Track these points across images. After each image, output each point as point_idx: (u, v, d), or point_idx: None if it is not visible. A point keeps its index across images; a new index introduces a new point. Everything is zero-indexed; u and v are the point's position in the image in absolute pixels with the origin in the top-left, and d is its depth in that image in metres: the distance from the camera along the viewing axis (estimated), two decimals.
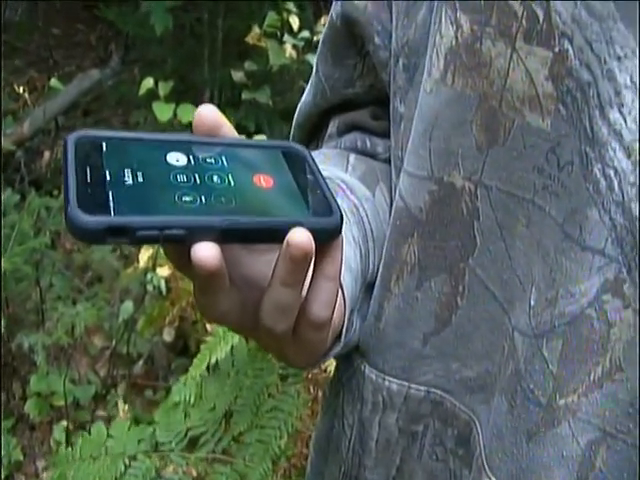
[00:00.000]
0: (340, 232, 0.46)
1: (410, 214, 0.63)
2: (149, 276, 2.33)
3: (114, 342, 2.45)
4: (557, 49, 0.52)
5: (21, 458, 2.19)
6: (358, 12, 0.68)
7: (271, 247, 0.46)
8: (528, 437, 0.56)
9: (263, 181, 0.47)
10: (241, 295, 0.47)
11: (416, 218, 0.62)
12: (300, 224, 0.44)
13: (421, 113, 0.61)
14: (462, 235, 0.60)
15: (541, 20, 0.53)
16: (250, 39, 3.04)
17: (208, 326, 1.93)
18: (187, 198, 0.43)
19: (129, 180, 0.43)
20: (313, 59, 0.76)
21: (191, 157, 0.46)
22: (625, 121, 0.51)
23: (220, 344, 1.55)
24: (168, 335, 2.41)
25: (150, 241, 0.42)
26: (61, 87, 3.13)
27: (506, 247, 0.58)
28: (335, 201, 0.47)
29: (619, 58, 0.51)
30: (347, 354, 0.70)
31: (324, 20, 3.11)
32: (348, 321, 0.59)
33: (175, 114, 2.89)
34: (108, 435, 1.69)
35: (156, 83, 2.90)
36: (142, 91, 2.88)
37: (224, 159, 0.47)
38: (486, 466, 0.59)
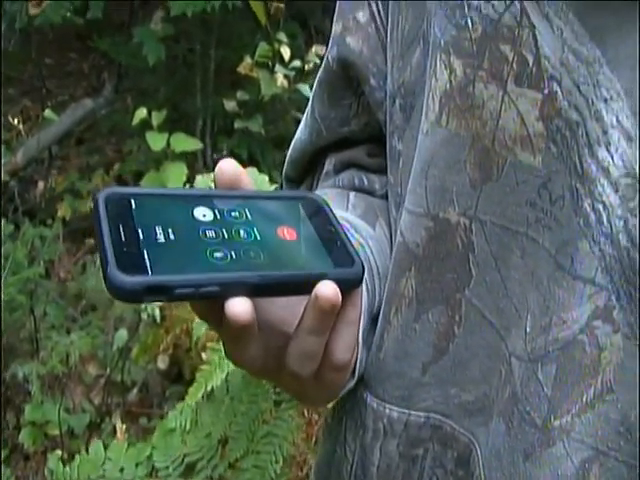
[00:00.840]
0: (362, 281, 0.49)
1: (408, 249, 0.65)
2: (143, 304, 2.34)
3: (108, 370, 2.45)
4: (546, 91, 0.55)
5: None
6: (354, 55, 0.71)
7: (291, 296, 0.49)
8: (525, 457, 0.59)
9: (287, 234, 0.49)
10: (265, 339, 0.50)
11: (413, 253, 0.65)
12: (325, 276, 0.47)
13: (419, 153, 0.64)
14: (458, 268, 0.62)
15: (531, 64, 0.56)
16: (242, 69, 3.08)
17: (203, 354, 1.94)
18: (218, 254, 0.45)
19: (161, 238, 0.45)
20: (304, 88, 0.79)
21: (217, 212, 0.48)
22: (612, 158, 0.54)
23: (216, 372, 1.57)
24: (162, 363, 2.41)
25: (187, 299, 0.44)
26: (55, 117, 3.15)
27: (502, 277, 0.60)
28: (356, 251, 0.50)
29: (605, 100, 0.54)
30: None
31: (315, 49, 3.15)
32: (360, 357, 0.62)
33: (168, 143, 2.93)
34: (106, 457, 1.70)
35: (149, 113, 2.93)
36: (135, 121, 2.91)
37: (247, 212, 0.49)
38: None
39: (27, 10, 3.42)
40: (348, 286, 0.48)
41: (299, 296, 0.48)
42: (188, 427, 1.67)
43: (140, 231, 0.45)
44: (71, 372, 2.45)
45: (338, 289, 0.46)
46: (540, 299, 0.58)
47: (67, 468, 1.74)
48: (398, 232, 0.66)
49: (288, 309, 0.50)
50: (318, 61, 2.99)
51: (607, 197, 0.54)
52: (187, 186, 2.53)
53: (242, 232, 0.48)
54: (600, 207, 0.55)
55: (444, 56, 0.60)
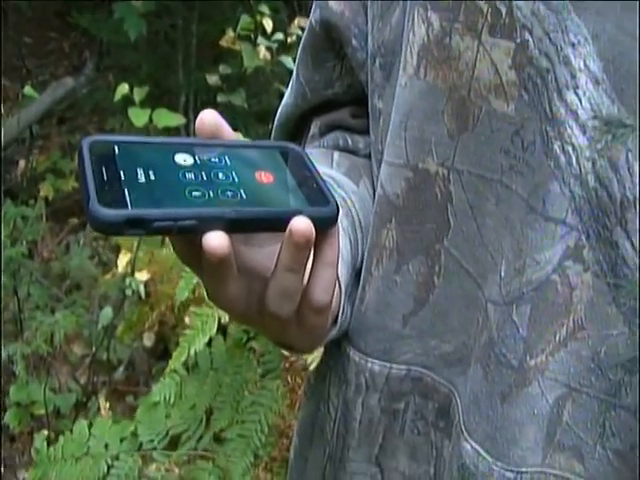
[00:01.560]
0: (337, 220, 0.51)
1: (388, 200, 0.66)
2: (128, 281, 2.31)
3: (94, 349, 2.43)
4: (519, 40, 0.57)
5: (1, 470, 2.16)
6: (336, 17, 0.73)
7: (268, 240, 0.52)
8: (502, 398, 0.61)
9: (264, 177, 0.52)
10: (246, 283, 0.51)
11: (393, 204, 0.66)
12: (300, 213, 0.49)
13: (397, 106, 0.65)
14: (437, 218, 0.64)
15: (504, 15, 0.58)
16: (224, 42, 3.03)
17: (186, 318, 1.94)
18: (197, 193, 0.48)
19: (142, 178, 0.48)
20: (287, 61, 0.81)
21: (197, 157, 0.51)
22: (580, 101, 0.56)
23: (199, 336, 1.59)
24: (148, 340, 2.39)
25: (165, 232, 0.46)
26: (35, 95, 3.10)
27: (477, 226, 0.62)
28: (330, 192, 0.52)
29: (573, 45, 0.55)
30: (333, 340, 0.72)
31: (298, 22, 3.10)
32: (342, 306, 0.64)
33: (151, 119, 2.88)
34: (90, 434, 1.71)
35: (131, 89, 2.88)
36: (117, 97, 2.86)
37: (227, 158, 0.52)
38: (464, 431, 0.63)
39: None
40: (323, 224, 0.50)
41: (276, 236, 0.50)
42: (172, 400, 1.67)
43: (122, 172, 0.47)
44: (56, 352, 2.42)
45: (312, 224, 0.48)
46: (514, 243, 0.59)
47: (52, 448, 1.75)
48: (378, 185, 0.68)
49: (269, 257, 0.52)
50: (301, 34, 2.95)
51: (576, 139, 0.56)
52: None
53: (221, 175, 0.50)
54: (569, 149, 0.56)
55: (421, 10, 0.62)
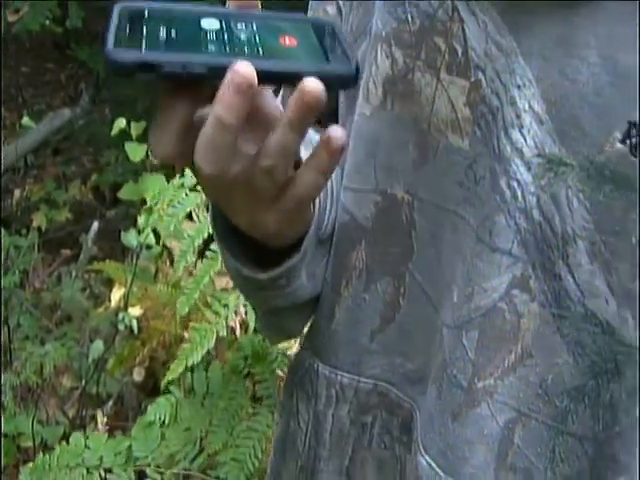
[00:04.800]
0: (356, 80, 0.51)
1: (357, 224, 0.70)
2: (121, 315, 2.32)
3: (83, 382, 2.42)
4: (473, 79, 0.61)
5: None
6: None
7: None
8: (453, 417, 0.64)
9: (288, 40, 0.52)
10: (246, 139, 0.53)
11: (363, 227, 0.69)
12: (317, 69, 0.49)
13: (361, 135, 0.68)
14: (402, 242, 0.67)
15: (460, 54, 0.62)
16: None
17: (185, 333, 1.97)
18: (213, 47, 0.49)
19: (163, 35, 0.49)
20: None
21: (224, 23, 0.51)
22: (525, 140, 0.59)
23: (197, 350, 1.62)
24: (138, 375, 2.39)
25: (174, 77, 0.47)
26: (32, 125, 3.12)
27: (436, 252, 0.66)
28: (354, 56, 0.51)
29: (519, 87, 0.59)
30: (297, 358, 0.77)
31: None
32: (308, 241, 0.65)
33: (147, 155, 2.91)
34: (85, 446, 1.72)
35: (128, 123, 2.90)
36: (115, 131, 2.88)
37: (254, 25, 0.52)
38: (421, 446, 0.66)
39: (5, 17, 3.39)
40: (341, 82, 0.51)
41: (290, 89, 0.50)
42: (167, 421, 1.70)
43: (145, 28, 0.49)
44: (45, 383, 2.41)
45: (322, 85, 0.48)
46: (464, 271, 0.63)
47: (47, 456, 1.76)
48: (341, 211, 0.71)
49: (275, 111, 0.54)
50: None
51: (521, 175, 0.60)
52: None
53: (243, 36, 0.51)
54: (515, 184, 0.60)
55: (385, 46, 0.66)
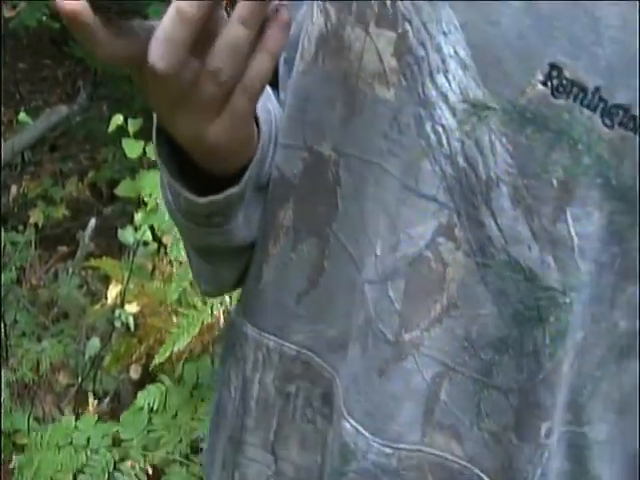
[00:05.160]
0: None
1: (285, 181, 0.69)
2: (117, 312, 2.31)
3: (80, 379, 2.42)
4: (400, 30, 0.61)
5: None
6: None
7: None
8: (379, 373, 0.63)
9: None
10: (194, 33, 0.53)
11: (291, 184, 0.69)
12: None
13: (295, 91, 0.69)
14: (328, 201, 0.67)
15: (389, 7, 0.62)
16: None
17: (174, 317, 2.02)
18: None
19: None
20: None
21: None
22: (450, 85, 0.59)
23: (184, 335, 1.70)
24: (135, 372, 2.38)
25: None
26: (29, 121, 3.12)
27: (360, 209, 0.65)
28: None
29: (445, 33, 0.59)
30: (229, 325, 0.76)
31: None
32: (249, 174, 0.65)
33: (144, 151, 2.90)
34: (75, 427, 1.85)
35: (125, 120, 2.90)
36: (112, 127, 2.88)
37: None
38: (344, 411, 0.65)
39: (2, 13, 3.39)
40: None
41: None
42: (156, 407, 1.80)
43: None
44: (41, 380, 2.41)
45: None
46: (388, 221, 0.62)
47: (39, 435, 1.88)
48: (273, 168, 0.70)
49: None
50: None
51: (446, 120, 0.60)
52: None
53: None
54: (440, 129, 0.60)
55: (320, 2, 0.66)
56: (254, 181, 0.67)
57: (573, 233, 0.59)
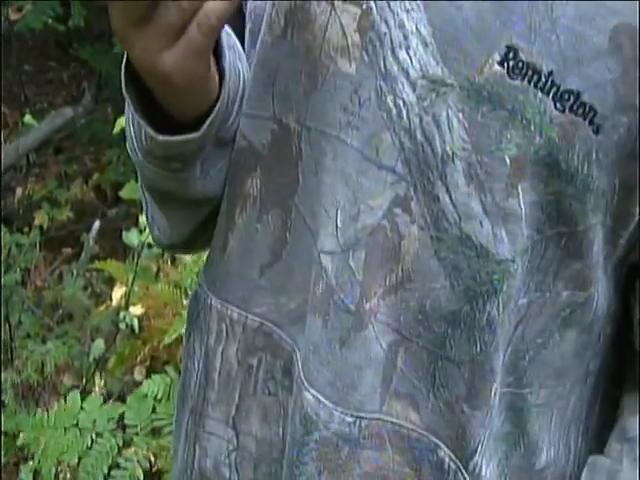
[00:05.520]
0: None
1: (253, 150, 0.70)
2: (122, 314, 2.32)
3: (84, 381, 2.42)
4: (364, 6, 0.63)
5: None
6: None
7: None
8: (341, 343, 0.64)
9: None
10: None
11: (259, 154, 0.70)
12: None
13: (263, 63, 0.69)
14: (291, 174, 0.68)
15: None
16: None
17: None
18: None
19: None
20: None
21: None
22: (411, 61, 0.61)
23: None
24: (139, 374, 2.39)
25: None
26: (34, 123, 3.13)
27: (318, 181, 0.66)
28: None
29: (408, 11, 0.61)
30: (194, 297, 0.77)
31: None
32: (209, 123, 0.64)
33: None
34: (81, 408, 1.87)
35: None
36: (117, 129, 2.88)
37: None
38: (305, 382, 0.66)
39: (7, 15, 3.39)
40: None
41: None
42: (160, 396, 1.83)
43: None
44: (46, 382, 2.41)
45: None
46: (349, 193, 0.64)
47: (45, 415, 1.90)
48: (239, 136, 0.71)
49: None
50: None
51: (407, 95, 0.61)
52: None
53: None
54: (400, 103, 0.61)
55: None
56: (215, 134, 0.68)
57: (522, 204, 0.61)
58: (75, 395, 1.90)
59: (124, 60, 0.64)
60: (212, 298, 0.74)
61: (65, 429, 1.83)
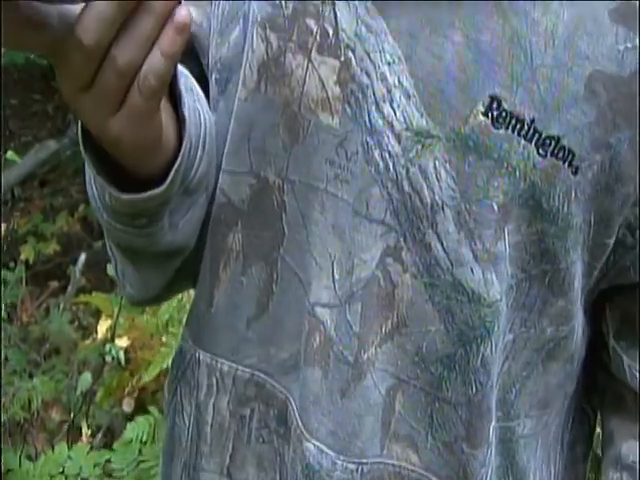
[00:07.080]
0: None
1: (233, 206, 0.70)
2: (108, 347, 2.31)
3: (72, 415, 2.40)
4: (343, 59, 0.63)
5: None
6: (195, 26, 0.72)
7: None
8: (342, 394, 0.65)
9: None
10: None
11: (239, 209, 0.70)
12: None
13: (238, 119, 0.69)
14: (274, 226, 0.68)
15: (331, 35, 0.64)
16: None
17: (163, 337, 2.05)
18: None
19: None
20: None
21: None
22: (395, 113, 0.62)
23: (171, 353, 1.66)
24: (128, 406, 2.37)
25: None
26: (17, 159, 3.13)
27: (307, 234, 0.67)
28: None
29: (389, 64, 0.62)
30: (179, 352, 0.76)
31: None
32: (172, 177, 0.62)
33: None
34: (68, 456, 1.88)
35: None
36: None
37: None
38: (305, 432, 0.67)
39: None
40: None
41: None
42: (145, 438, 1.83)
43: None
44: (33, 418, 2.39)
45: None
46: (344, 247, 0.65)
47: (31, 465, 1.93)
48: (218, 193, 0.71)
49: None
50: None
51: (392, 147, 0.62)
52: None
53: None
54: (387, 155, 0.62)
55: (260, 30, 0.67)
56: (180, 185, 0.66)
57: (506, 245, 0.62)
58: (62, 446, 1.93)
59: (81, 137, 0.62)
60: (200, 352, 0.74)
61: (50, 477, 1.85)
